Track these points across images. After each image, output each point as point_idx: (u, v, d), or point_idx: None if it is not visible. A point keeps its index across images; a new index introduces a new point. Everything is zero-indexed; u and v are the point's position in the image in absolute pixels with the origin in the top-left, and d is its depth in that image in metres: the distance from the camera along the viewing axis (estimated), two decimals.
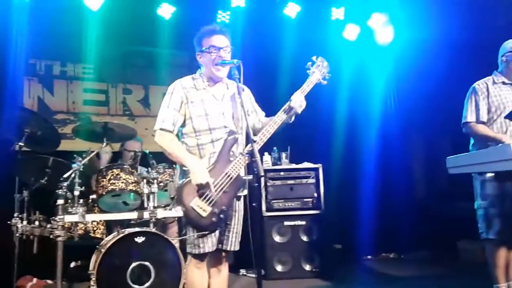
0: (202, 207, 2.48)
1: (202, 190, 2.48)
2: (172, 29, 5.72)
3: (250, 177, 2.56)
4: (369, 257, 5.88)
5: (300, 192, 4.94)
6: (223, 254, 2.72)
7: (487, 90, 3.41)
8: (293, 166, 5.09)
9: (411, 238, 5.86)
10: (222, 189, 2.51)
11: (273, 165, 5.10)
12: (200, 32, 2.70)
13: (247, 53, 5.36)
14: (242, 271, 4.90)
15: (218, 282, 2.74)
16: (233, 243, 2.67)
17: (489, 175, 3.14)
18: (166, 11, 5.68)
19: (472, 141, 3.49)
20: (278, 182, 4.96)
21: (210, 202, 2.49)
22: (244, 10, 5.85)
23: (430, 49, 5.69)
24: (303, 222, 4.83)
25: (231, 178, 2.51)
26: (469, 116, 3.42)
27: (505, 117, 3.20)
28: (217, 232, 2.60)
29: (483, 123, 3.37)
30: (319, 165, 5.04)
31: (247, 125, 2.41)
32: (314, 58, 2.80)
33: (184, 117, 2.66)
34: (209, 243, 2.58)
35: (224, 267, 2.76)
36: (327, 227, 4.91)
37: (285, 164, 5.13)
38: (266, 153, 5.09)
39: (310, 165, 5.08)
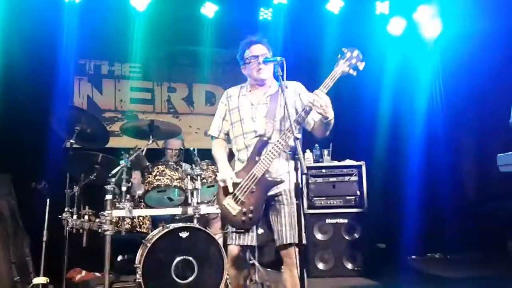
0: (232, 206, 2.61)
1: (228, 189, 2.60)
2: (215, 28, 5.82)
3: (281, 178, 2.63)
4: (414, 257, 5.75)
5: (342, 189, 4.90)
6: (286, 249, 2.65)
7: None
8: (335, 163, 5.05)
9: (458, 238, 5.68)
10: (248, 189, 2.59)
11: (315, 162, 5.08)
12: (240, 46, 2.84)
13: (289, 50, 5.37)
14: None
15: (289, 280, 2.70)
16: (288, 236, 2.63)
17: None
18: (209, 10, 5.77)
19: None
20: (320, 180, 4.93)
21: (238, 201, 2.60)
22: (286, 6, 5.85)
23: (480, 43, 5.47)
24: (345, 220, 4.79)
25: (256, 177, 2.58)
26: None
27: None
28: (254, 231, 2.68)
29: None
30: (362, 163, 4.97)
31: (290, 121, 2.39)
32: (344, 49, 2.61)
33: (228, 124, 2.86)
34: (249, 237, 2.69)
35: (293, 265, 2.62)
36: (370, 225, 4.84)
37: (327, 161, 5.09)
38: (308, 150, 5.07)
39: (352, 162, 5.02)
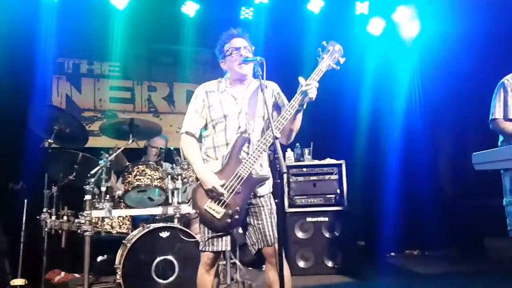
0: (215, 209, 2.52)
1: (217, 193, 2.52)
2: (196, 27, 5.80)
3: (266, 174, 2.63)
4: (392, 254, 5.83)
5: (323, 188, 4.93)
6: (270, 251, 2.64)
7: None
8: (316, 162, 5.08)
9: (436, 235, 5.78)
10: (233, 190, 2.52)
11: (295, 161, 5.11)
12: (220, 40, 2.77)
13: (270, 49, 5.39)
14: (265, 267, 4.91)
15: (276, 280, 2.58)
16: (271, 237, 2.62)
17: None
18: (190, 8, 5.75)
19: (501, 138, 3.40)
20: (300, 178, 4.96)
21: (222, 204, 2.53)
22: (268, 6, 5.86)
23: (458, 43, 5.58)
24: (326, 219, 4.83)
25: (242, 178, 2.52)
26: (497, 112, 3.33)
27: None
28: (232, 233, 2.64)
29: (511, 120, 3.28)
30: (342, 161, 5.02)
31: (270, 121, 2.38)
32: (324, 43, 2.59)
33: (206, 120, 2.74)
34: (223, 242, 2.61)
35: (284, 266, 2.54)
36: (350, 223, 4.89)
37: (308, 160, 5.12)
38: (289, 149, 5.10)
39: (333, 161, 5.06)
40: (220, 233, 2.58)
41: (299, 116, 2.62)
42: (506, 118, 3.29)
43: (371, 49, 6.16)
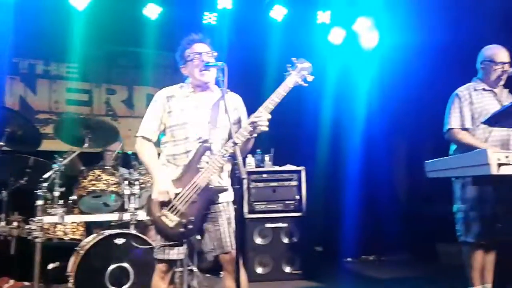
0: (169, 218, 2.49)
1: (166, 200, 2.49)
2: (158, 30, 5.72)
3: (225, 186, 2.62)
4: (349, 259, 5.92)
5: (282, 194, 4.96)
6: (227, 258, 2.64)
7: (470, 96, 3.40)
8: (276, 168, 5.11)
9: (391, 241, 5.92)
10: (189, 199, 2.49)
11: (256, 167, 5.11)
12: (181, 45, 2.73)
13: (233, 55, 5.38)
14: (223, 273, 4.88)
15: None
16: (228, 243, 2.61)
17: (468, 179, 3.18)
18: (152, 11, 5.66)
19: (453, 147, 3.50)
20: (260, 184, 4.97)
21: (177, 213, 2.49)
22: (231, 12, 5.85)
23: (414, 53, 5.74)
24: (285, 225, 4.85)
25: (199, 188, 2.49)
26: (453, 122, 3.39)
27: (483, 122, 3.23)
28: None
29: (466, 130, 3.36)
30: (302, 168, 5.06)
31: (231, 128, 2.39)
32: (294, 59, 2.64)
33: (165, 126, 2.68)
34: (176, 251, 2.57)
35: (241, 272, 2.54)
36: (308, 229, 4.94)
37: (268, 166, 5.15)
38: (249, 155, 5.10)
39: (293, 167, 5.09)
40: (173, 242, 2.54)
41: (251, 141, 2.65)
42: (461, 128, 3.39)
43: (332, 57, 6.26)
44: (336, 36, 6.36)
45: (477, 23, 5.14)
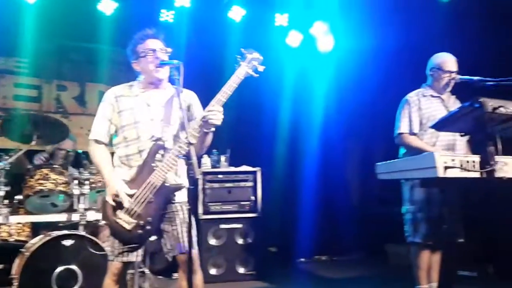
0: (125, 220, 2.42)
1: (119, 202, 2.42)
2: (113, 26, 5.56)
3: (182, 183, 2.56)
4: (302, 259, 5.99)
5: (237, 195, 4.95)
6: (184, 258, 2.56)
7: (419, 102, 3.52)
8: (232, 169, 5.09)
9: (343, 241, 6.05)
10: (145, 199, 2.43)
11: (212, 168, 5.08)
12: (133, 40, 2.65)
13: (190, 53, 5.33)
14: (175, 275, 4.83)
15: None
16: (184, 244, 2.54)
17: (416, 181, 3.29)
18: (107, 6, 5.51)
19: (403, 151, 3.62)
20: (216, 185, 4.94)
21: (133, 214, 2.42)
22: (189, 10, 5.79)
23: (368, 58, 5.89)
24: (239, 225, 4.84)
25: (154, 187, 2.43)
26: (403, 127, 3.51)
27: (430, 127, 3.35)
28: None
29: (415, 134, 3.49)
30: (257, 169, 5.07)
31: (186, 126, 2.32)
32: (242, 50, 2.59)
33: (116, 127, 2.61)
34: (134, 252, 2.50)
35: (194, 274, 2.51)
36: (263, 230, 4.96)
37: (224, 167, 5.13)
38: (205, 156, 5.05)
39: (248, 168, 5.09)
40: (131, 245, 2.46)
41: (209, 136, 2.59)
42: (410, 133, 3.51)
43: (290, 60, 6.31)
44: (294, 39, 6.42)
45: (428, 29, 5.34)
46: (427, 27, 5.35)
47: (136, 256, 2.51)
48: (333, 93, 6.38)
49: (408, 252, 3.59)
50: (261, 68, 2.60)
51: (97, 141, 2.59)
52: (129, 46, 2.65)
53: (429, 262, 3.45)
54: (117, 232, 2.44)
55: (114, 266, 2.51)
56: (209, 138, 2.61)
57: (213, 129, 2.51)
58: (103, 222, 2.49)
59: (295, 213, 6.00)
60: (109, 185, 2.47)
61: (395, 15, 5.59)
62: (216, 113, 2.43)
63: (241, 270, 4.77)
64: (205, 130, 2.50)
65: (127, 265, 2.58)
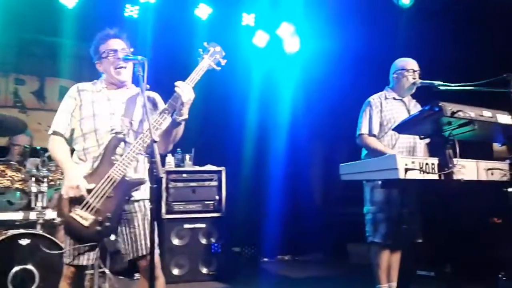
0: (83, 216, 2.32)
1: (77, 196, 2.33)
2: (75, 19, 5.41)
3: (143, 177, 2.51)
4: (265, 259, 6.02)
5: (202, 194, 4.91)
6: (143, 262, 2.51)
7: (381, 104, 3.62)
8: (197, 168, 5.05)
9: (306, 241, 6.12)
10: (104, 194, 2.35)
11: (176, 167, 5.02)
12: (95, 41, 2.60)
13: (155, 50, 5.26)
14: (137, 275, 4.74)
15: None
16: (143, 247, 2.48)
17: (377, 182, 3.37)
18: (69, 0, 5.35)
19: (364, 152, 3.70)
20: (180, 184, 4.88)
21: (91, 210, 2.33)
22: (154, 6, 5.71)
23: (333, 60, 5.98)
24: (203, 225, 4.81)
25: (114, 181, 2.36)
26: (363, 128, 3.61)
27: (393, 129, 3.43)
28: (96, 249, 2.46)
29: (375, 136, 3.58)
30: (222, 168, 5.05)
31: (149, 123, 2.23)
32: (205, 44, 2.60)
33: (76, 121, 2.54)
34: (86, 256, 2.42)
35: (156, 280, 2.38)
36: (227, 230, 4.94)
37: (188, 166, 5.07)
38: (169, 154, 4.99)
39: (213, 167, 5.07)
40: (88, 244, 2.38)
41: (180, 128, 2.55)
42: (370, 134, 3.59)
43: (257, 60, 6.32)
44: (260, 39, 6.43)
45: (391, 33, 5.47)
46: (389, 31, 5.48)
47: (86, 260, 2.43)
48: (300, 94, 6.44)
49: (368, 251, 3.66)
50: (223, 62, 2.61)
51: (56, 133, 2.51)
52: (91, 46, 2.61)
53: (389, 261, 3.53)
54: (74, 229, 2.34)
55: (68, 269, 2.44)
56: (180, 131, 2.56)
57: (184, 116, 2.46)
58: (58, 218, 2.39)
59: (259, 213, 6.02)
60: (67, 176, 2.37)
61: (359, 19, 5.71)
62: (181, 89, 2.40)
63: (204, 270, 4.75)
64: (177, 118, 2.45)
65: (81, 268, 2.50)
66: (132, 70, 2.58)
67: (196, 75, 2.50)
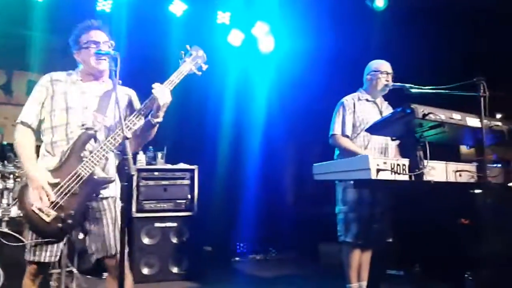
0: (45, 211, 2.26)
1: (42, 196, 2.26)
2: (45, 12, 5.25)
3: (111, 177, 2.47)
4: (237, 258, 6.01)
5: (173, 193, 4.85)
6: (111, 262, 2.47)
7: (354, 106, 3.66)
8: (169, 166, 4.98)
9: (278, 240, 6.14)
10: (70, 191, 2.30)
11: (147, 165, 4.94)
12: (76, 30, 2.56)
13: (128, 46, 5.14)
14: (105, 275, 4.64)
15: None
16: (112, 246, 2.45)
17: (349, 182, 3.40)
18: None
19: (337, 152, 3.73)
20: (151, 182, 4.81)
21: (54, 206, 2.28)
22: (127, 0, 5.60)
23: (308, 61, 6.01)
24: (174, 224, 4.75)
25: (81, 178, 2.31)
26: (336, 129, 3.65)
27: (365, 130, 3.47)
28: (61, 243, 2.40)
29: (347, 136, 3.62)
30: (195, 167, 5.00)
31: (121, 120, 2.21)
32: (188, 47, 2.60)
33: (46, 111, 2.47)
34: (48, 253, 2.37)
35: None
36: (198, 229, 4.90)
37: (160, 164, 5.00)
38: (140, 152, 4.90)
39: (186, 166, 5.01)
40: (48, 240, 2.32)
41: (154, 129, 2.53)
42: (343, 134, 3.63)
43: (232, 59, 6.28)
44: (235, 38, 6.40)
45: (364, 35, 5.54)
46: (364, 33, 5.55)
47: (48, 257, 2.37)
48: (274, 93, 6.44)
49: (340, 251, 3.69)
50: (204, 67, 2.61)
51: (24, 124, 2.44)
52: (72, 35, 2.56)
53: (360, 261, 3.58)
54: (34, 224, 2.28)
55: (31, 266, 2.38)
56: (153, 132, 2.55)
57: (159, 119, 2.45)
58: (19, 212, 2.32)
59: (232, 212, 6.00)
60: (29, 174, 2.30)
61: (334, 20, 5.75)
62: (160, 90, 2.39)
63: (175, 269, 4.69)
64: (152, 120, 2.44)
65: (43, 265, 2.43)
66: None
67: (175, 78, 2.49)
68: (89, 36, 2.51)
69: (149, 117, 2.46)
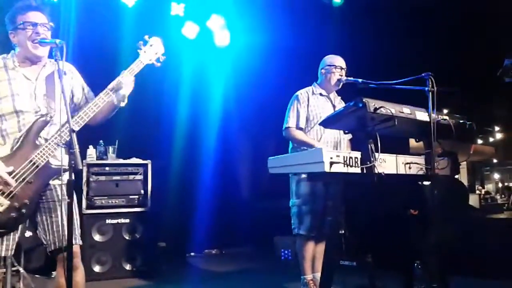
0: None
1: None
2: None
3: (65, 165, 2.37)
4: (192, 254, 5.96)
5: (126, 188, 4.73)
6: (62, 255, 2.34)
7: (308, 99, 3.70)
8: (120, 161, 4.85)
9: (234, 235, 6.13)
10: (24, 179, 2.21)
11: (98, 159, 4.78)
12: (13, 8, 2.41)
13: (78, 35, 4.96)
14: (54, 273, 4.48)
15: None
16: (65, 237, 2.32)
17: (303, 176, 3.44)
18: None
19: (291, 145, 3.76)
20: (102, 178, 4.66)
21: (7, 195, 2.18)
22: None
23: (264, 55, 6.02)
24: (127, 220, 4.64)
25: (37, 166, 2.23)
26: (290, 122, 3.69)
27: (319, 124, 3.51)
28: (16, 235, 2.30)
29: (301, 129, 3.67)
30: (148, 162, 4.90)
31: (67, 110, 2.12)
32: (146, 37, 2.59)
33: None
34: (4, 246, 2.26)
35: (75, 271, 2.30)
36: (152, 225, 4.81)
37: (112, 159, 4.85)
38: (91, 146, 4.74)
39: (138, 161, 4.90)
40: (1, 231, 2.21)
41: (115, 110, 2.56)
42: (297, 127, 3.67)
43: (186, 52, 6.17)
44: (190, 30, 6.29)
45: (320, 30, 5.61)
46: (319, 28, 5.62)
47: (5, 251, 2.27)
48: (230, 87, 6.40)
49: (294, 243, 3.72)
50: (162, 58, 2.61)
51: None
52: (8, 13, 2.41)
53: (314, 253, 3.63)
54: None
55: None
56: (113, 112, 2.58)
57: (125, 102, 2.51)
58: None
59: (186, 207, 5.93)
60: None
61: (290, 14, 5.79)
62: (127, 80, 2.45)
63: (128, 266, 4.58)
64: (120, 103, 2.50)
65: None
66: (49, 49, 2.45)
67: (135, 67, 2.52)
68: (26, 17, 2.38)
69: (114, 99, 2.47)
